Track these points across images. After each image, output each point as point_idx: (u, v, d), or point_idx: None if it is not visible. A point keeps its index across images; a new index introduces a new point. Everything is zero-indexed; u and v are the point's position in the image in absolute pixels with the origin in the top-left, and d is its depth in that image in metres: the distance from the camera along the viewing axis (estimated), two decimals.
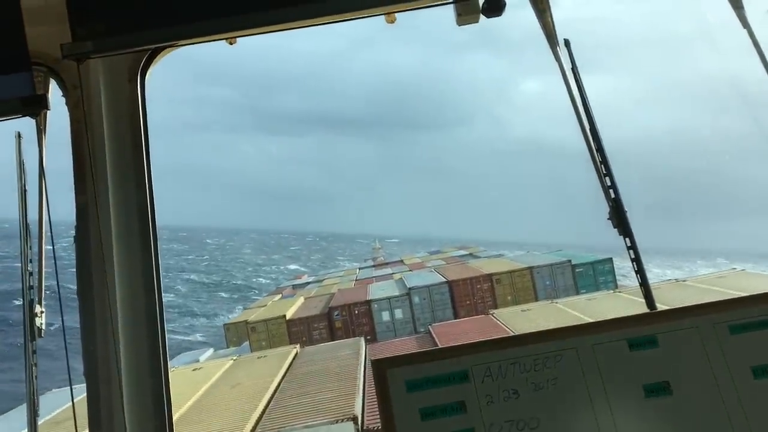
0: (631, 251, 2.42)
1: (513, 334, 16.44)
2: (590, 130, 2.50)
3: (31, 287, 2.35)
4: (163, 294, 2.32)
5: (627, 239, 2.42)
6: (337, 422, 11.49)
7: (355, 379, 14.51)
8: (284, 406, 13.32)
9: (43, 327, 2.36)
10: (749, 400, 2.01)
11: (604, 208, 2.57)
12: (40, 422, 2.84)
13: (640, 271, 2.43)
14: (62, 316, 2.20)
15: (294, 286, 47.32)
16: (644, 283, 2.43)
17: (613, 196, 2.45)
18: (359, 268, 54.71)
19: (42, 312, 2.36)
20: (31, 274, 2.36)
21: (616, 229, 2.44)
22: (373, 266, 54.67)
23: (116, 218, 2.28)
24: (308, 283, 48.07)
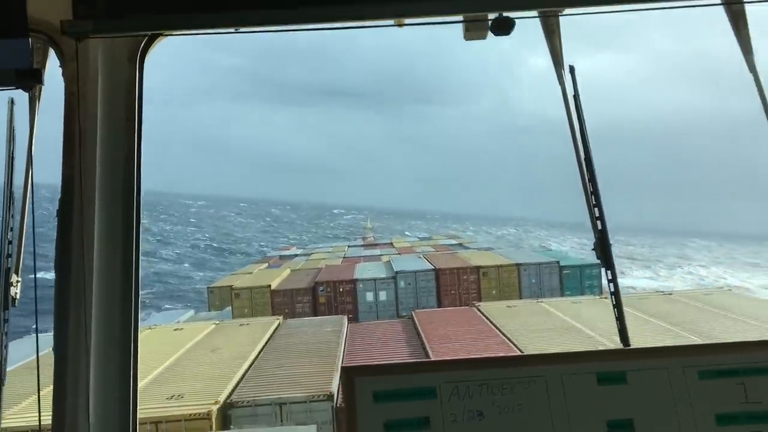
0: (611, 285, 2.42)
1: (494, 328, 16.58)
2: (585, 158, 2.49)
3: (9, 256, 2.33)
4: (140, 276, 2.30)
5: (609, 272, 2.42)
6: (313, 399, 11.64)
7: (335, 356, 14.60)
8: (262, 376, 13.42)
9: (18, 297, 2.34)
10: None
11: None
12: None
13: (618, 307, 2.44)
14: (35, 277, 2.18)
15: (281, 257, 47.25)
16: (620, 319, 2.43)
17: (599, 227, 2.44)
18: (348, 246, 54.70)
19: (18, 282, 2.34)
20: (10, 242, 2.33)
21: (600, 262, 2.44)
22: (362, 245, 54.69)
23: (101, 195, 2.25)
24: (296, 255, 47.99)
